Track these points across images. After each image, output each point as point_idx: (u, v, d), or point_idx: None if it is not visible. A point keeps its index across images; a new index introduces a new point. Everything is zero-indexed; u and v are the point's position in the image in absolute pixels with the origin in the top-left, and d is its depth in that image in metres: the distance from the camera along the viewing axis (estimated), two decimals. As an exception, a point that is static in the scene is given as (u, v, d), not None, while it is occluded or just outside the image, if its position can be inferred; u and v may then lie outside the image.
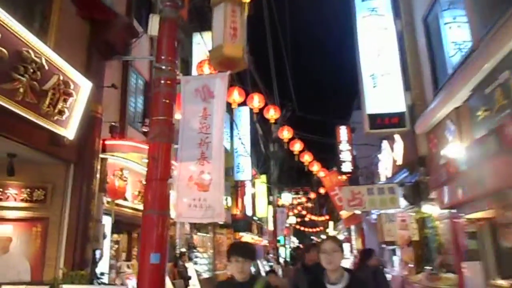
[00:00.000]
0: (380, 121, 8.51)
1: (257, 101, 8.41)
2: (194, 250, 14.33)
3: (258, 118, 15.83)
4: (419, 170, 8.36)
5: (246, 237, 21.25)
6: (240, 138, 16.03)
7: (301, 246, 49.33)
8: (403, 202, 8.69)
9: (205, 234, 17.19)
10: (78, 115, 5.09)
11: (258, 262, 20.25)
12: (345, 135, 17.63)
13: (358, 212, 12.28)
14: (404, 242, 7.65)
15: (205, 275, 16.04)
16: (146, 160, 4.82)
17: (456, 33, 7.84)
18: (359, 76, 8.99)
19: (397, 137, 10.23)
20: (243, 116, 19.06)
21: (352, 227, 20.61)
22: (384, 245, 9.99)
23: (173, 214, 5.20)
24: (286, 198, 29.77)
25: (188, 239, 14.21)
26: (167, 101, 5.08)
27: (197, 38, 12.31)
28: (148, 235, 4.63)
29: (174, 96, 5.18)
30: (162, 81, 5.10)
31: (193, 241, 15.24)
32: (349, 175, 17.02)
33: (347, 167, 17.28)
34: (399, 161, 10.15)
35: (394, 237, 8.50)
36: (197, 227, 16.06)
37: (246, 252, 2.93)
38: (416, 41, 8.78)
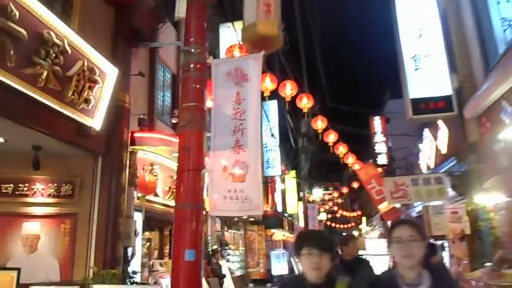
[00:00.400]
0: (424, 106, 7.86)
1: (289, 88, 7.93)
2: (226, 248, 14.01)
3: (289, 110, 15.31)
4: (469, 158, 7.67)
5: (278, 233, 20.84)
6: (272, 133, 15.56)
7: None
8: (450, 193, 8.02)
9: (236, 231, 16.88)
10: (104, 104, 4.77)
11: (291, 259, 19.80)
12: (379, 126, 16.90)
13: (398, 205, 11.61)
14: (456, 236, 7.01)
15: (237, 273, 15.78)
16: (176, 155, 4.49)
17: (506, 9, 7.16)
18: (399, 58, 8.36)
19: (441, 123, 9.52)
20: (271, 110, 18.61)
21: (388, 222, 19.80)
22: (432, 240, 9.31)
23: (207, 207, 4.81)
24: (317, 193, 29.12)
25: (219, 236, 13.91)
26: (198, 86, 4.72)
27: (223, 29, 11.96)
28: (182, 230, 4.28)
29: (204, 80, 4.81)
30: (192, 65, 4.75)
31: (225, 238, 14.95)
32: (384, 167, 16.30)
33: (382, 159, 16.55)
34: (444, 150, 9.44)
35: (444, 230, 7.83)
36: (228, 224, 15.77)
37: (323, 242, 2.12)
38: (461, 19, 8.07)
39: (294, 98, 8.87)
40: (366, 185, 13.39)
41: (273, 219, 20.33)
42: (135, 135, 6.07)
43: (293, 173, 25.59)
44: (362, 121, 17.18)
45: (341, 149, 11.55)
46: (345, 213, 38.02)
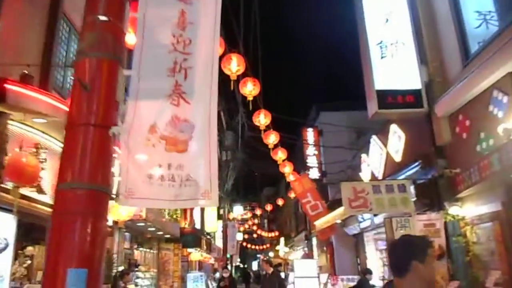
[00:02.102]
0: (392, 99, 6.72)
1: (235, 64, 6.27)
2: (135, 269, 11.60)
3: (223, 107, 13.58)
4: (438, 162, 6.61)
5: (195, 254, 18.67)
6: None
7: (241, 265, 46.52)
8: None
9: (148, 250, 14.43)
10: None
11: (209, 282, 17.72)
12: (312, 138, 15.90)
13: (339, 221, 10.40)
14: (430, 253, 5.80)
15: (147, 299, 13.38)
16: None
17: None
18: (363, 44, 7.20)
19: (394, 127, 8.51)
20: None
21: (314, 241, 18.73)
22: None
23: (118, 192, 2.86)
24: (238, 211, 27.40)
25: (128, 255, 11.49)
26: (114, -10, 2.84)
27: None
28: (64, 231, 2.31)
29: (125, -13, 2.93)
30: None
31: (134, 257, 12.52)
32: (315, 182, 15.21)
33: (314, 173, 15.50)
34: (398, 158, 8.39)
35: (409, 248, 6.64)
36: (139, 240, 13.36)
37: None
38: (433, 4, 7.15)
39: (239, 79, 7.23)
40: (301, 199, 12.07)
41: (191, 238, 18.20)
42: (8, 86, 3.88)
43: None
44: (294, 133, 16.04)
45: (280, 154, 10.09)
46: (263, 233, 36.78)
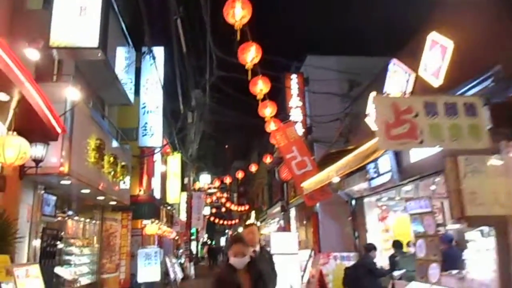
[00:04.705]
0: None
1: None
2: (59, 243, 8.55)
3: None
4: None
5: (152, 226, 15.68)
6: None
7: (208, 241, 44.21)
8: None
9: (87, 220, 11.34)
10: None
11: (167, 259, 14.88)
12: (296, 87, 13.01)
13: (336, 179, 7.62)
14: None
15: (85, 281, 10.48)
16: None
17: None
18: None
19: (434, 36, 5.73)
20: (158, 59, 13.31)
21: (292, 212, 16.07)
22: (458, 227, 5.33)
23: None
24: (205, 180, 24.39)
25: (50, 225, 8.41)
26: None
27: None
28: None
29: None
30: None
31: (62, 228, 9.45)
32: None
33: (297, 130, 12.69)
34: (438, 81, 5.63)
35: (486, 206, 3.91)
36: (73, 208, 10.29)
37: None
38: None
39: None
40: (285, 154, 9.26)
41: (147, 207, 15.22)
42: None
43: (178, 154, 20.54)
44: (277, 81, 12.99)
45: (261, 85, 7.15)
46: (233, 207, 34.07)
